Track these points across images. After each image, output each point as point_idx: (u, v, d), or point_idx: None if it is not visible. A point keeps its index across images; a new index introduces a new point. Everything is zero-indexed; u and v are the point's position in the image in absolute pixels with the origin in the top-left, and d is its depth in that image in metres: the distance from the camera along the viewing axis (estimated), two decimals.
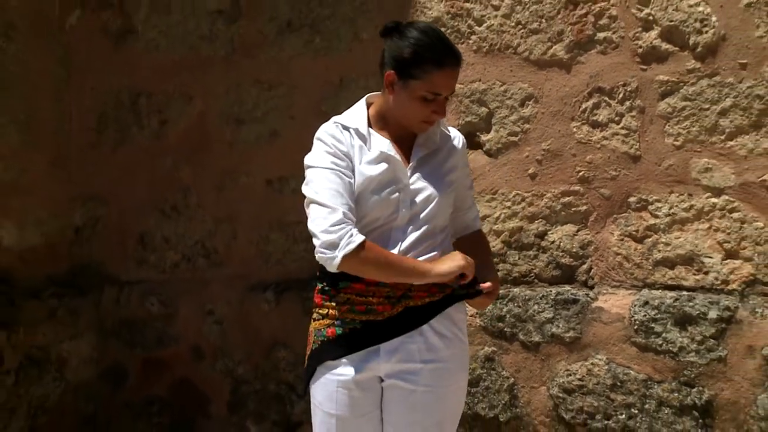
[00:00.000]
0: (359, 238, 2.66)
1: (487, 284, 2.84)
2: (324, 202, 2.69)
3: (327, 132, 2.85)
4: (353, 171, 2.79)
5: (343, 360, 2.82)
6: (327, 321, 2.85)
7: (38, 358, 4.75)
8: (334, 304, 2.83)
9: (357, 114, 2.90)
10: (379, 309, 2.80)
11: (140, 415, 5.06)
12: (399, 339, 2.81)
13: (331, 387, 2.84)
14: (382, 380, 2.85)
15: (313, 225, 2.69)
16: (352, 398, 2.82)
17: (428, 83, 2.76)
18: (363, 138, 2.84)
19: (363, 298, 2.80)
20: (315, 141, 2.85)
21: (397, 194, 2.81)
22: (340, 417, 2.83)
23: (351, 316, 2.81)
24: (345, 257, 2.64)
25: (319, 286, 2.90)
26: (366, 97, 2.96)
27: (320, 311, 2.88)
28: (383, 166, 2.81)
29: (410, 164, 2.87)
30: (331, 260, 2.65)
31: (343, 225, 2.66)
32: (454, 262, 2.76)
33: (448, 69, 2.77)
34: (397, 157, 2.84)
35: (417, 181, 2.85)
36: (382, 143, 2.84)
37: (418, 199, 2.84)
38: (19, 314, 4.64)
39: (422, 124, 2.85)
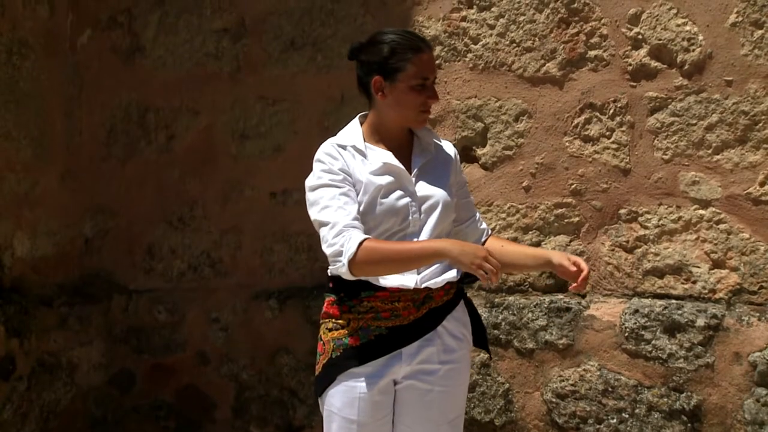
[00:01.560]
0: (358, 238, 2.69)
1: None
2: (325, 220, 2.75)
3: (323, 152, 2.87)
4: (354, 184, 2.81)
5: (367, 366, 2.84)
6: (347, 330, 2.85)
7: (50, 364, 4.75)
8: (355, 313, 2.85)
9: (352, 132, 2.92)
10: (405, 314, 2.83)
11: (148, 419, 5.06)
12: (418, 342, 2.85)
13: (352, 393, 2.85)
14: (395, 383, 2.89)
15: (322, 245, 2.77)
16: (373, 403, 2.85)
17: (413, 69, 2.81)
18: (362, 153, 2.86)
19: (389, 304, 2.83)
20: (314, 163, 2.88)
21: (407, 199, 2.83)
22: (361, 423, 2.84)
23: (377, 324, 2.83)
24: (350, 261, 2.68)
25: (334, 297, 2.90)
26: (358, 116, 2.99)
27: (338, 321, 2.87)
28: (388, 177, 2.84)
29: (413, 173, 2.89)
30: (341, 269, 2.71)
31: (342, 233, 2.71)
32: (467, 250, 2.69)
33: (426, 52, 2.84)
34: (400, 166, 2.86)
35: (422, 189, 2.88)
36: (383, 155, 2.87)
37: (426, 205, 2.86)
38: (32, 322, 4.65)
39: (420, 115, 2.87)
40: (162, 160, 5.06)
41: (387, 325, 2.83)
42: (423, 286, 2.83)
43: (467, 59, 4.57)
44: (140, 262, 5.11)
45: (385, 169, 2.84)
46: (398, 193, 2.83)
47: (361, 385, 2.84)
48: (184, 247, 5.04)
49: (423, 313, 2.84)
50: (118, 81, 5.10)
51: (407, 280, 2.81)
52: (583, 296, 4.40)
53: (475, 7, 4.55)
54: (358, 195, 2.81)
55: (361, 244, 2.69)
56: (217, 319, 4.97)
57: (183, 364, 5.01)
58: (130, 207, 5.11)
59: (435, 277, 2.84)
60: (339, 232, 2.72)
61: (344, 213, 2.75)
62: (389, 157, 2.86)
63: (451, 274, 2.86)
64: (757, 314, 4.13)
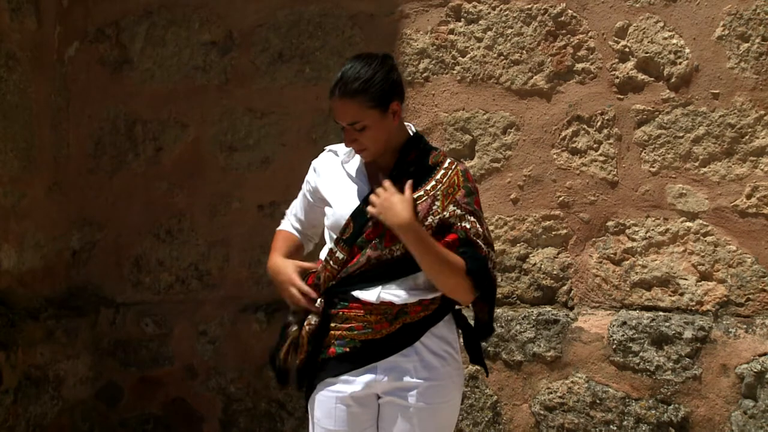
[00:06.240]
0: (280, 227, 3.21)
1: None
2: None
3: (318, 159, 3.08)
4: (318, 182, 3.04)
5: (342, 377, 2.88)
6: (327, 341, 2.90)
7: (36, 377, 4.71)
8: (333, 324, 2.89)
9: None
10: (377, 327, 2.85)
11: None
12: (395, 357, 2.86)
13: (330, 404, 2.89)
14: (379, 397, 2.91)
15: None
16: (350, 414, 2.88)
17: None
18: (343, 159, 2.99)
19: (362, 317, 2.85)
20: None
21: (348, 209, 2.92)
22: None
23: (351, 335, 2.86)
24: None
25: None
26: None
27: None
28: (351, 184, 2.95)
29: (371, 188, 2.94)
30: None
31: (284, 217, 3.23)
32: (281, 282, 2.99)
33: (332, 97, 2.86)
34: (362, 181, 2.94)
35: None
36: (354, 166, 2.98)
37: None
38: (18, 335, 4.60)
39: (355, 151, 2.95)
40: (150, 173, 5.06)
41: (360, 338, 2.86)
42: (387, 300, 2.85)
43: (455, 72, 4.59)
44: (128, 274, 5.09)
45: (352, 179, 2.98)
46: (349, 197, 2.95)
47: (337, 395, 2.89)
48: (171, 259, 5.03)
49: (396, 328, 2.85)
50: (105, 93, 5.09)
51: (369, 295, 2.86)
52: (571, 308, 4.41)
53: (462, 20, 4.56)
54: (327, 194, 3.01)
55: (276, 231, 3.22)
56: (204, 331, 4.96)
57: (170, 377, 5.00)
58: (117, 219, 5.10)
59: (397, 292, 2.86)
60: (283, 215, 3.26)
61: (292, 205, 3.20)
62: (356, 170, 2.97)
63: (420, 294, 2.87)
64: (744, 326, 4.15)
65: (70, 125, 5.13)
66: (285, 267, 2.99)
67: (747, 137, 4.18)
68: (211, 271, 4.98)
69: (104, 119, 5.11)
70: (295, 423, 4.75)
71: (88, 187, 5.13)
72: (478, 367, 4.41)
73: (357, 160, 2.98)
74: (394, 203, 2.78)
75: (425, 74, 4.60)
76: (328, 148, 3.08)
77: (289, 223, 3.20)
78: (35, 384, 4.74)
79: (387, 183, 2.82)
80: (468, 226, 2.86)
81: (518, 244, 4.49)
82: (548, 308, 4.45)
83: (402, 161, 2.92)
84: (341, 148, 3.02)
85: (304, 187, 3.11)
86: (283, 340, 2.97)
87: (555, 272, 4.44)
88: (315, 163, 3.08)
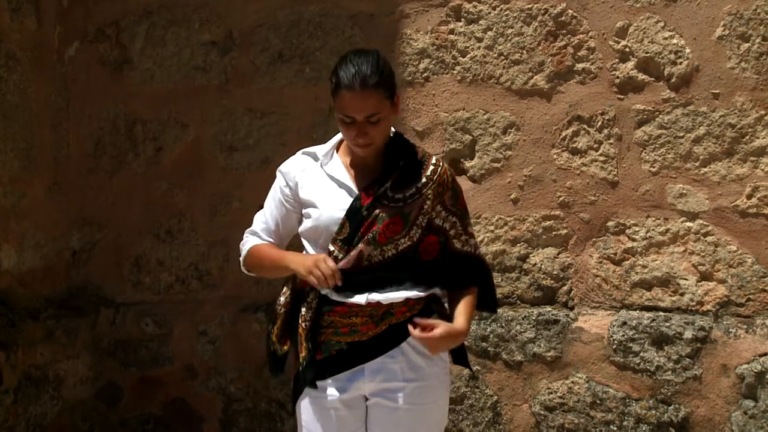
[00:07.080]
0: (250, 244, 3.07)
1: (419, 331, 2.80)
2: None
3: (287, 163, 3.04)
4: (300, 189, 2.96)
5: (330, 381, 2.87)
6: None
7: (36, 377, 4.71)
8: (318, 328, 2.88)
9: (330, 141, 3.01)
10: (363, 329, 2.84)
11: None
12: (381, 359, 2.85)
13: (317, 407, 2.89)
14: (366, 399, 2.90)
15: None
16: (338, 417, 2.88)
17: (338, 104, 2.81)
18: (323, 161, 2.95)
19: (347, 319, 2.85)
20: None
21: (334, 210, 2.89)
22: None
23: (336, 338, 2.86)
24: (243, 264, 3.11)
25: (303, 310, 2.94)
26: None
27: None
28: (336, 186, 2.91)
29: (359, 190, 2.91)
30: (242, 268, 3.14)
31: (245, 237, 3.11)
32: (305, 261, 2.84)
33: (350, 91, 2.77)
34: (342, 180, 2.92)
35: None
36: (335, 167, 2.95)
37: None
38: (18, 335, 4.60)
39: (356, 148, 2.87)
40: (150, 173, 5.05)
41: (346, 341, 2.86)
42: (375, 301, 2.83)
43: (455, 72, 4.58)
44: (128, 274, 5.09)
45: (334, 180, 2.94)
46: (332, 200, 2.90)
47: (325, 399, 2.88)
48: (171, 259, 5.03)
49: (383, 329, 2.85)
50: (105, 93, 5.09)
51: (357, 297, 2.84)
52: (572, 308, 4.42)
53: (463, 19, 4.56)
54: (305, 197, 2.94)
55: (249, 250, 3.07)
56: (204, 332, 4.96)
57: (170, 377, 5.00)
58: (117, 219, 5.09)
59: (386, 294, 2.84)
60: (245, 235, 3.12)
61: (258, 220, 3.11)
62: (339, 171, 2.93)
63: (409, 292, 2.86)
64: (745, 326, 4.15)
65: (70, 125, 5.12)
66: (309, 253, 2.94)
67: (747, 137, 4.18)
68: (211, 271, 4.98)
69: (104, 119, 5.10)
70: (295, 423, 4.73)
71: (88, 187, 5.12)
72: (478, 368, 4.46)
73: (336, 161, 2.96)
74: (445, 339, 2.81)
75: (425, 74, 4.60)
76: (302, 152, 3.03)
77: (259, 239, 3.09)
78: (35, 384, 4.73)
79: (419, 333, 2.79)
80: (447, 227, 2.92)
81: (518, 244, 4.49)
82: (548, 308, 4.45)
83: (391, 156, 2.91)
84: (319, 149, 2.99)
85: (277, 195, 3.03)
86: (273, 323, 2.98)
87: (555, 272, 4.44)
88: (286, 168, 3.02)
